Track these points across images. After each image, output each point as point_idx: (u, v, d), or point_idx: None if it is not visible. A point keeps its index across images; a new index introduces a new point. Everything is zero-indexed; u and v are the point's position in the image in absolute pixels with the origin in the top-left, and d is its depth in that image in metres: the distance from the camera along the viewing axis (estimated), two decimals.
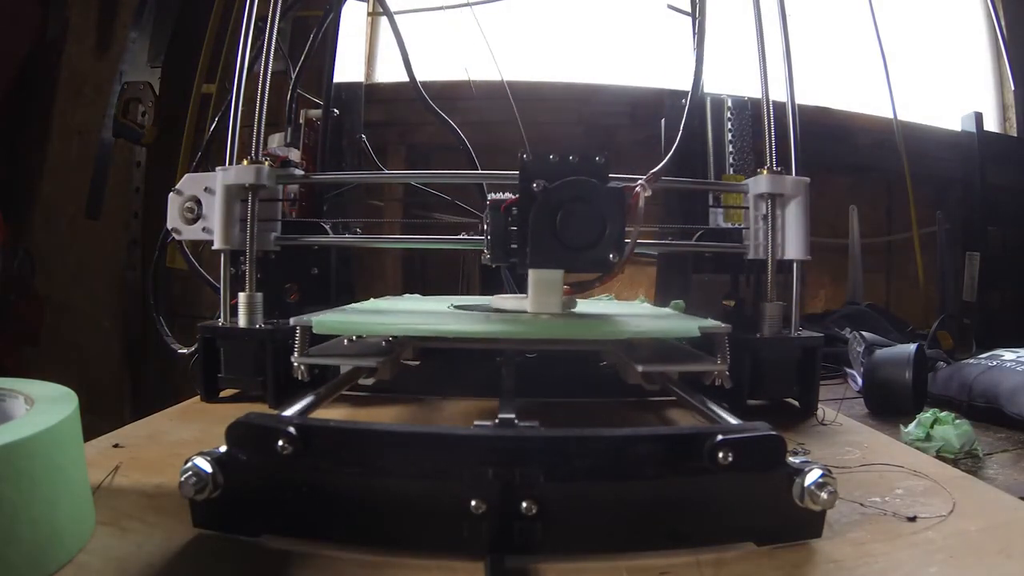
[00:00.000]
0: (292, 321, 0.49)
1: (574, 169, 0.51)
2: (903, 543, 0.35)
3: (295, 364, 0.50)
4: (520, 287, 0.55)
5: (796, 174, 0.64)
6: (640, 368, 0.48)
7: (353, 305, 0.68)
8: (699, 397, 0.47)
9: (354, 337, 0.55)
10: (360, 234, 0.84)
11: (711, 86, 0.87)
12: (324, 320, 0.49)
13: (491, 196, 0.55)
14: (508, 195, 0.55)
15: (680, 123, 0.83)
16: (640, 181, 0.55)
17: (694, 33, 0.69)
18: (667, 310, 0.76)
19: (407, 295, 0.92)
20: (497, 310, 0.61)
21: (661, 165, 0.60)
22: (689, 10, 0.85)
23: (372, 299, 0.78)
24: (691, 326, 0.49)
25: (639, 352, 0.52)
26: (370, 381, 0.52)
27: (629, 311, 0.72)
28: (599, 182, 0.51)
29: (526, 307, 0.55)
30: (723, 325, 0.50)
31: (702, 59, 0.67)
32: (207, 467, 0.33)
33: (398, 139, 1.68)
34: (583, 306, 0.75)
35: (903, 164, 1.73)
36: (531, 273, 0.53)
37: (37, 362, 1.55)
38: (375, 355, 0.50)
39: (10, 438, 0.29)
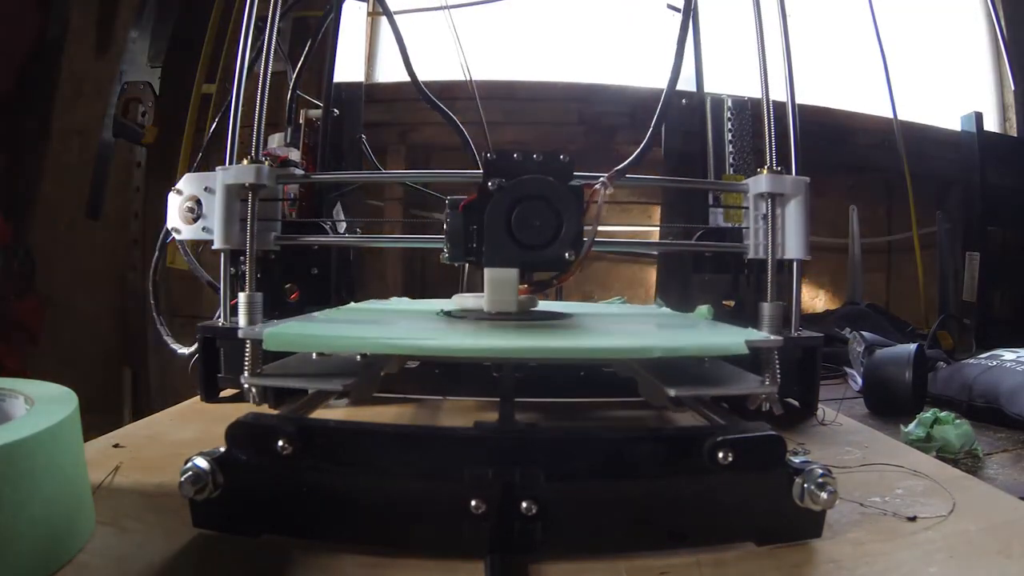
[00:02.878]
0: (241, 333, 0.42)
1: (537, 167, 0.49)
2: (903, 543, 0.35)
3: (245, 386, 0.43)
4: (476, 287, 0.53)
5: (796, 174, 0.64)
6: (672, 392, 0.41)
7: (326, 311, 0.62)
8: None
9: None
10: (360, 234, 0.84)
11: (711, 86, 0.87)
12: (278, 333, 0.41)
13: (449, 197, 0.53)
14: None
15: (680, 124, 0.83)
16: (601, 179, 0.54)
17: (682, 30, 0.68)
18: (692, 316, 0.68)
19: (394, 298, 0.88)
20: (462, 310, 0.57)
21: (626, 163, 0.59)
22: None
23: (352, 303, 0.73)
24: (736, 341, 0.40)
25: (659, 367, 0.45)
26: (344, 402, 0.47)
27: (648, 317, 0.66)
28: (556, 180, 0.49)
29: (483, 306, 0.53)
30: (772, 337, 0.43)
31: (682, 55, 0.66)
32: (207, 467, 0.33)
33: (398, 139, 1.68)
34: (594, 310, 0.74)
35: (903, 164, 1.73)
36: (486, 272, 0.51)
37: (37, 362, 1.55)
38: (346, 374, 0.43)
39: (10, 438, 0.29)
